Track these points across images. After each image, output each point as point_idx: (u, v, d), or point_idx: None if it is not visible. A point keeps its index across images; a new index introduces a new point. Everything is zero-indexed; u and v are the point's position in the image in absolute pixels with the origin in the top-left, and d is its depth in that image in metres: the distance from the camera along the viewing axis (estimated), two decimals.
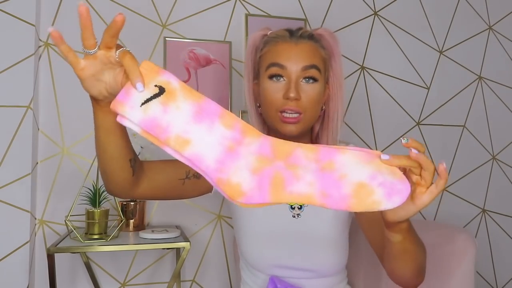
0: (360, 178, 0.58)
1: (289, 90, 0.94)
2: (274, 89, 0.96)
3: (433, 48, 1.91)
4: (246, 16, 1.65)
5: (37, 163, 1.45)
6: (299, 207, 1.03)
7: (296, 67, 0.96)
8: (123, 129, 0.76)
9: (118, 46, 0.64)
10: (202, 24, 1.63)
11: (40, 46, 1.47)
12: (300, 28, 1.02)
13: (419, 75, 1.88)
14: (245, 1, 1.68)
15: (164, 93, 0.59)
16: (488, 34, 2.00)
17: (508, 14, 2.04)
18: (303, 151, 0.60)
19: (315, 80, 0.97)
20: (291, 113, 0.95)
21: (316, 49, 1.00)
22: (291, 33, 1.00)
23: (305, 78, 0.96)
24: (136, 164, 0.83)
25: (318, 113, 1.01)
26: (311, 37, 1.00)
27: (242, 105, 1.65)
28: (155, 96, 0.58)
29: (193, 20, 1.63)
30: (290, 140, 0.96)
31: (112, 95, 0.66)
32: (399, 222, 0.70)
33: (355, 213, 1.04)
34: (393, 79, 1.83)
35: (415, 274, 0.84)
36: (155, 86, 0.59)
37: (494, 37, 2.01)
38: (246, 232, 1.04)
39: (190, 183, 0.97)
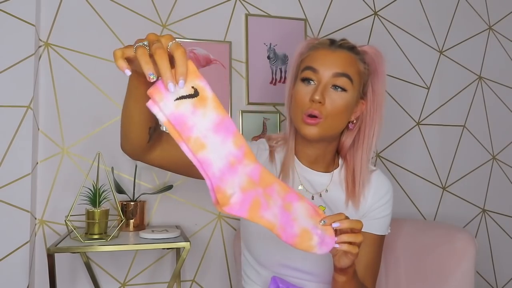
0: (305, 225, 0.73)
1: (315, 93, 0.96)
2: (303, 92, 0.99)
3: (433, 48, 1.91)
4: (246, 16, 1.65)
5: (37, 163, 1.45)
6: None
7: (328, 73, 0.98)
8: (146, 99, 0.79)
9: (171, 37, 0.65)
10: (202, 24, 1.63)
11: (40, 46, 1.47)
12: (343, 39, 1.04)
13: (419, 75, 1.88)
14: (245, 1, 1.68)
15: (198, 96, 0.63)
16: (488, 34, 2.00)
17: (508, 14, 2.04)
18: (277, 187, 0.72)
19: (343, 89, 0.98)
20: (313, 116, 0.97)
21: (354, 60, 1.01)
22: (332, 42, 1.04)
23: (334, 85, 0.98)
24: (154, 133, 0.86)
25: (342, 123, 1.02)
26: (351, 49, 1.02)
27: (242, 105, 1.65)
28: (190, 96, 0.63)
29: (193, 20, 1.63)
30: (311, 144, 1.03)
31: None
32: (344, 268, 0.82)
33: None
34: (393, 79, 1.83)
35: None
36: (192, 87, 0.63)
37: (494, 37, 2.01)
38: (257, 230, 1.04)
39: None
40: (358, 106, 1.04)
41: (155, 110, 0.62)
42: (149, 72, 0.60)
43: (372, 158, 1.09)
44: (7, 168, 1.37)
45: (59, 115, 1.48)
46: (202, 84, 0.63)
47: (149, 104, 0.62)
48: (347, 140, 1.07)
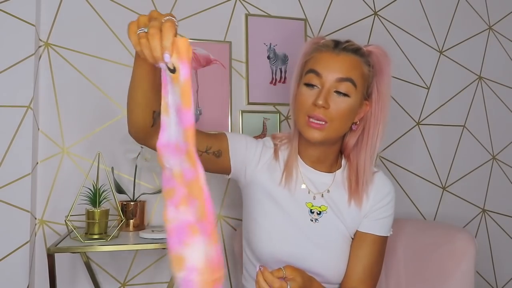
0: (182, 254, 0.71)
1: (319, 98, 0.96)
2: (306, 95, 0.99)
3: (433, 48, 1.91)
4: (246, 16, 1.65)
5: (37, 163, 1.45)
6: (318, 212, 1.05)
7: (331, 77, 0.98)
8: (154, 82, 0.81)
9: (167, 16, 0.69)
10: (202, 24, 1.63)
11: (40, 46, 1.47)
12: (348, 41, 1.04)
13: (419, 75, 1.88)
14: (245, 1, 1.68)
15: (175, 75, 0.64)
16: (488, 34, 2.00)
17: (508, 14, 2.04)
18: (198, 205, 0.67)
19: (346, 95, 0.98)
20: (317, 120, 0.97)
21: (358, 63, 1.00)
22: (337, 44, 1.03)
23: (337, 91, 0.98)
24: (159, 117, 0.87)
25: (346, 126, 1.02)
26: (356, 51, 1.02)
27: (242, 105, 1.65)
28: (169, 70, 0.64)
29: (193, 20, 1.62)
30: (314, 145, 1.06)
31: None
32: None
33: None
34: (393, 79, 1.83)
35: None
36: (173, 63, 0.65)
37: (494, 37, 2.01)
38: (262, 227, 1.05)
39: (207, 158, 1.00)
40: (362, 107, 1.04)
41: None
42: (141, 28, 0.67)
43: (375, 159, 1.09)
44: (7, 168, 1.37)
45: (59, 115, 1.48)
46: (180, 67, 0.64)
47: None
48: (350, 140, 1.08)
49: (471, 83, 1.95)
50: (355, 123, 1.05)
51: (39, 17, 1.47)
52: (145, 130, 0.88)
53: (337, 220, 1.05)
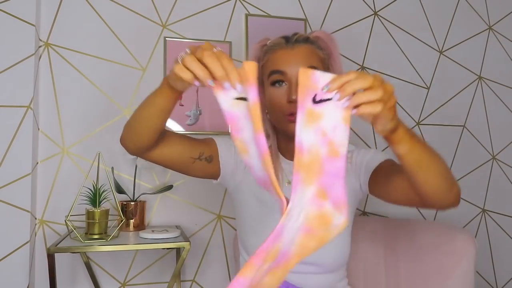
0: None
1: (292, 93, 0.97)
2: (278, 95, 1.00)
3: (433, 48, 1.91)
4: (246, 16, 1.65)
5: (37, 163, 1.45)
6: None
7: (295, 70, 0.99)
8: (170, 113, 0.83)
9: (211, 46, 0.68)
10: (202, 24, 1.63)
11: (40, 46, 1.47)
12: (295, 34, 1.06)
13: (419, 75, 1.88)
14: (245, 1, 1.68)
15: (248, 102, 0.63)
16: (488, 34, 2.00)
17: (508, 14, 2.04)
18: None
19: None
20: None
21: (313, 50, 1.03)
22: (287, 39, 1.04)
23: None
24: (161, 135, 0.89)
25: None
26: (307, 40, 1.04)
27: None
28: (243, 99, 0.63)
29: (193, 20, 1.62)
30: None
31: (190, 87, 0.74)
32: (391, 132, 0.72)
33: (371, 185, 1.03)
34: (393, 79, 1.83)
35: (446, 184, 0.79)
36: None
37: (494, 37, 2.01)
38: (253, 229, 1.05)
39: (200, 164, 1.01)
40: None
41: (219, 97, 0.64)
42: (209, 80, 0.64)
43: None
44: (7, 168, 1.37)
45: (59, 115, 1.48)
46: (247, 91, 0.62)
47: (215, 91, 0.64)
48: None
49: (471, 83, 1.95)
50: None
51: (39, 17, 1.47)
52: (146, 147, 0.89)
53: None
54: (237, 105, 0.63)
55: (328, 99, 0.62)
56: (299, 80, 0.63)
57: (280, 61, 1.01)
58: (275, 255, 0.62)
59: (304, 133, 0.64)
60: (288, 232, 0.63)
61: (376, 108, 0.65)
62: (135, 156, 1.43)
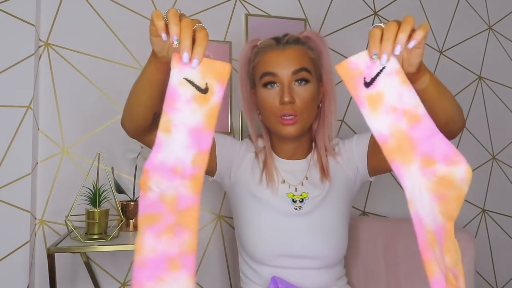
0: None
1: (284, 95, 0.99)
2: (270, 96, 1.02)
3: (433, 48, 1.91)
4: (246, 16, 1.65)
5: (37, 163, 1.45)
6: (301, 200, 1.07)
7: (287, 72, 1.01)
8: (162, 87, 0.82)
9: (197, 21, 0.67)
10: (202, 24, 1.63)
11: (40, 46, 1.47)
12: (286, 35, 1.07)
13: None
14: (245, 1, 1.68)
15: (204, 95, 0.61)
16: (488, 34, 2.00)
17: (508, 14, 2.04)
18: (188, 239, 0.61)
19: (306, 81, 1.03)
20: (288, 116, 1.00)
21: (304, 51, 1.04)
22: (278, 40, 1.06)
23: (297, 81, 1.01)
24: (158, 118, 0.88)
25: (314, 112, 1.07)
26: (297, 41, 1.05)
27: None
28: (197, 88, 0.62)
29: None
30: (290, 140, 1.02)
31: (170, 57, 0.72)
32: (418, 69, 0.74)
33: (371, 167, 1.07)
34: None
35: (458, 106, 0.90)
36: (206, 84, 0.62)
37: (494, 37, 2.01)
38: (250, 226, 1.06)
39: None
40: (320, 90, 1.08)
41: (172, 71, 0.62)
42: (175, 37, 0.62)
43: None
44: (7, 168, 1.37)
45: (59, 115, 1.48)
46: (216, 89, 0.62)
47: (172, 62, 0.62)
48: (314, 123, 1.12)
49: (471, 83, 1.95)
50: (318, 107, 1.09)
51: (39, 17, 1.47)
52: (143, 127, 0.89)
53: (319, 202, 1.06)
54: (184, 86, 0.62)
55: (378, 74, 0.61)
56: (341, 77, 0.63)
57: (271, 63, 1.02)
58: (434, 238, 0.62)
59: (377, 122, 0.63)
60: (424, 213, 0.62)
61: (422, 39, 0.65)
62: (135, 156, 1.44)
